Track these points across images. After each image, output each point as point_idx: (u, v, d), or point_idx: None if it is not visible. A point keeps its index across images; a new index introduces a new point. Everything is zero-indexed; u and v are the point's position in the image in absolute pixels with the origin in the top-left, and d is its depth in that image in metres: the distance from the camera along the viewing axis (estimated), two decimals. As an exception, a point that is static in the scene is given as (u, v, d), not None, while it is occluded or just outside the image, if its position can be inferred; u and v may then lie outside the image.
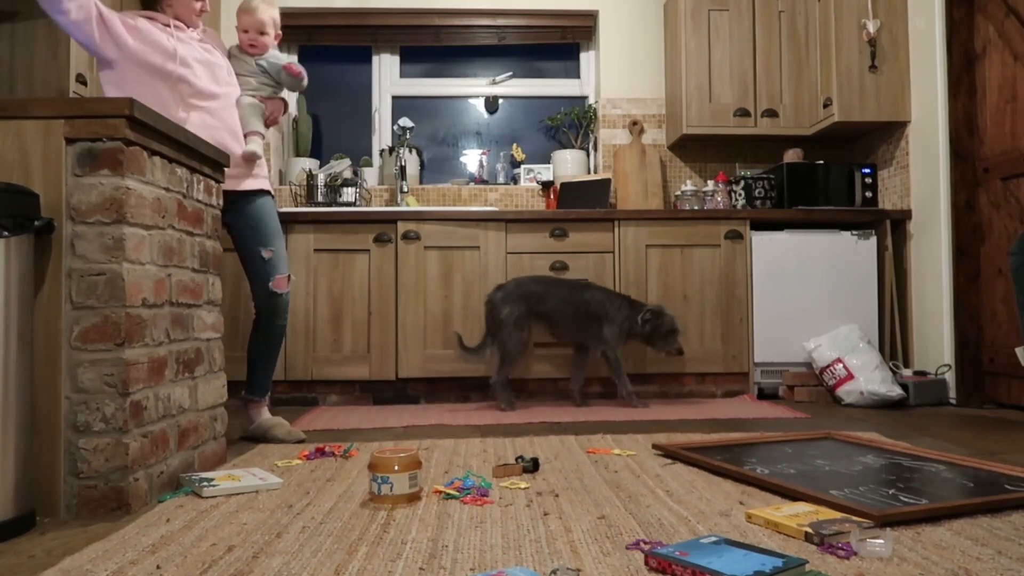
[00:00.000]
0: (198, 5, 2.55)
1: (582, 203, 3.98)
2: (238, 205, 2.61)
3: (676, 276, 3.65)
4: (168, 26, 2.47)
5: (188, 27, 2.55)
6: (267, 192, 2.70)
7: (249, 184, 2.62)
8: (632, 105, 4.39)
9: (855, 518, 1.53)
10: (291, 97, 4.48)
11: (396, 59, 4.54)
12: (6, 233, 1.55)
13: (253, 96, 2.72)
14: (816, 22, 3.95)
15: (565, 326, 3.39)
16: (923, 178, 3.64)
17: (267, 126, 2.79)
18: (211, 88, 2.51)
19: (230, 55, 2.75)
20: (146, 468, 1.80)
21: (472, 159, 4.57)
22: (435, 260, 3.63)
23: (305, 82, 2.83)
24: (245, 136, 2.64)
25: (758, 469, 1.98)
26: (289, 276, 2.70)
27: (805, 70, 4.06)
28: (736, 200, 4.02)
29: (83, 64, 3.09)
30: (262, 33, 2.74)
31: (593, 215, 3.66)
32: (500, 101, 4.60)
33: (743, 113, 4.04)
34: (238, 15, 2.76)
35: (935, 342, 3.55)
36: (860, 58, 3.76)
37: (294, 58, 2.81)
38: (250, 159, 2.61)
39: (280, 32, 2.83)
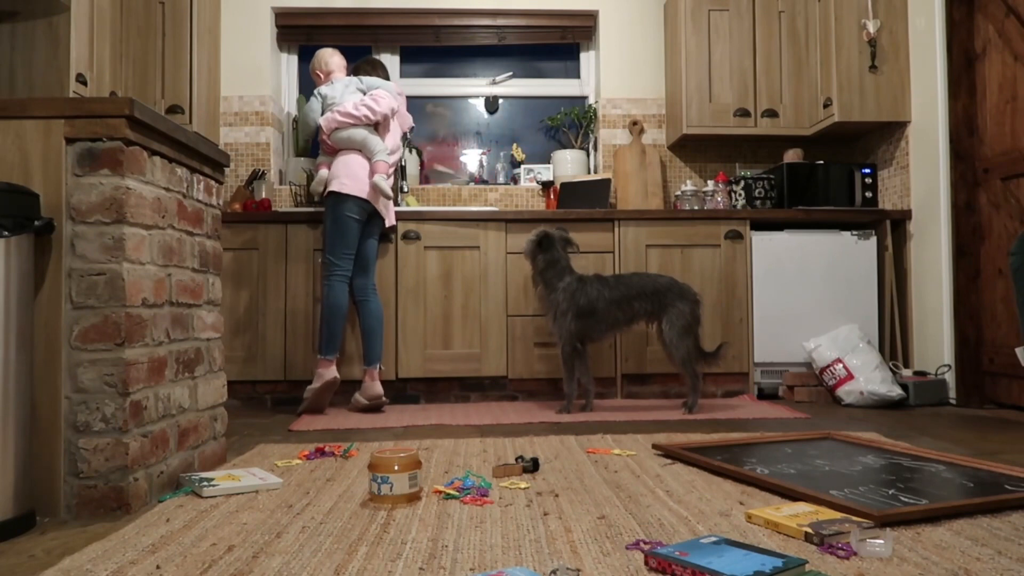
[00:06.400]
0: None
1: (582, 203, 3.98)
2: None
3: (676, 276, 3.64)
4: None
5: None
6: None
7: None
8: (632, 105, 4.39)
9: (855, 518, 1.53)
10: (290, 97, 4.49)
11: (396, 59, 4.53)
12: (6, 233, 1.55)
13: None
14: (816, 22, 3.95)
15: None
16: (923, 178, 3.64)
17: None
18: None
19: None
20: (146, 468, 1.80)
21: (472, 159, 4.57)
22: (435, 260, 3.63)
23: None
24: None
25: (758, 469, 1.98)
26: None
27: (805, 70, 4.06)
28: (736, 200, 4.02)
29: (83, 64, 3.10)
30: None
31: (593, 215, 3.66)
32: (500, 101, 4.60)
33: (743, 113, 4.04)
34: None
35: (935, 342, 3.55)
36: (860, 58, 3.76)
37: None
38: None
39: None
